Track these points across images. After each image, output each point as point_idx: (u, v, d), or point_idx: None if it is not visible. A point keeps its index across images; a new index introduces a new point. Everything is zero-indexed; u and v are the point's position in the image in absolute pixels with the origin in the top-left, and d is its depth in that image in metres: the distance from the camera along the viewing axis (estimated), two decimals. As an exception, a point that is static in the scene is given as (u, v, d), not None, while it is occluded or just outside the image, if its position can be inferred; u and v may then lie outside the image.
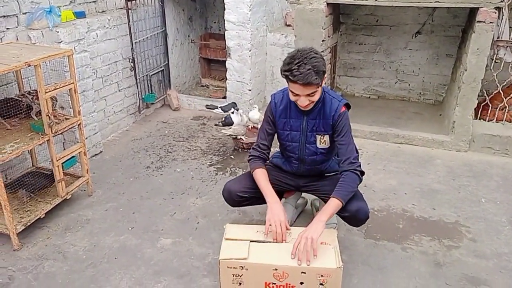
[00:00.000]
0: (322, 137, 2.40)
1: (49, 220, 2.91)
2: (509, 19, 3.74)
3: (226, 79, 4.81)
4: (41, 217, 2.81)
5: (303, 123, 2.38)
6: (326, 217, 2.13)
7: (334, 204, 2.18)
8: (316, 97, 2.22)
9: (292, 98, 2.25)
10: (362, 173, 2.32)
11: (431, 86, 4.90)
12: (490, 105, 3.97)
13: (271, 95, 2.49)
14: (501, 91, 3.86)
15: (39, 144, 2.78)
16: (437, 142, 3.95)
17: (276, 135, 2.53)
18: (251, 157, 2.51)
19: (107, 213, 3.04)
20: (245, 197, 2.51)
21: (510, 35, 3.78)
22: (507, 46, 3.79)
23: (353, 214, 2.32)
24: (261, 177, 2.40)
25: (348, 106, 2.39)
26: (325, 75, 2.21)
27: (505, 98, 3.87)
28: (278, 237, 2.13)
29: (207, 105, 4.64)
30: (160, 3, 4.67)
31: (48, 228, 2.86)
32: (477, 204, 3.13)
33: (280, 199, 2.71)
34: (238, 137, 3.91)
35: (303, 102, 2.21)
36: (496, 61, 3.86)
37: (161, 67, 4.90)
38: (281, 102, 2.40)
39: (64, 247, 2.68)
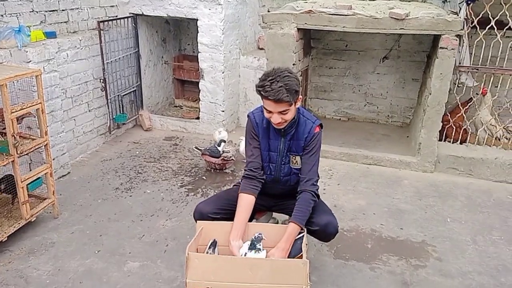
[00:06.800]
0: (294, 157, 2.43)
1: (12, 244, 2.81)
2: (469, 46, 3.94)
3: (200, 100, 4.84)
4: (3, 240, 2.71)
5: (281, 144, 2.41)
6: (288, 245, 2.20)
7: (294, 229, 2.24)
8: (288, 116, 2.25)
9: (266, 115, 2.28)
10: (318, 195, 2.42)
11: (399, 109, 5.06)
12: (454, 127, 4.12)
13: (249, 113, 2.48)
14: (463, 114, 4.03)
15: (4, 165, 2.71)
16: (404, 163, 4.06)
17: None
18: (246, 175, 2.43)
19: (73, 235, 2.96)
20: (217, 218, 2.47)
21: (470, 61, 3.98)
22: (468, 72, 3.99)
23: (323, 229, 2.35)
24: (243, 207, 2.35)
25: (321, 126, 2.43)
26: (299, 96, 2.25)
27: (468, 121, 4.04)
28: None
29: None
30: (133, 24, 4.69)
31: (11, 252, 2.76)
32: (443, 223, 3.21)
33: (252, 219, 2.72)
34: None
35: (276, 120, 2.23)
36: (459, 85, 4.04)
37: (133, 88, 4.88)
38: (262, 122, 2.42)
39: (27, 271, 2.59)
